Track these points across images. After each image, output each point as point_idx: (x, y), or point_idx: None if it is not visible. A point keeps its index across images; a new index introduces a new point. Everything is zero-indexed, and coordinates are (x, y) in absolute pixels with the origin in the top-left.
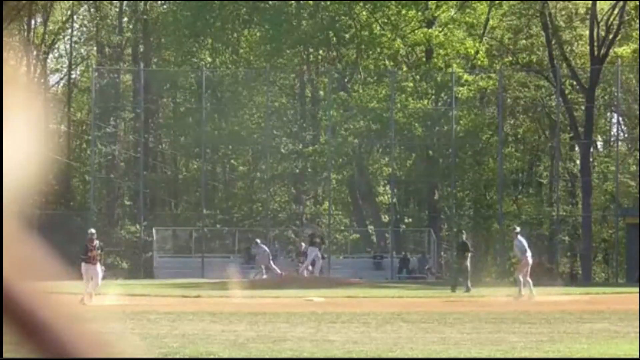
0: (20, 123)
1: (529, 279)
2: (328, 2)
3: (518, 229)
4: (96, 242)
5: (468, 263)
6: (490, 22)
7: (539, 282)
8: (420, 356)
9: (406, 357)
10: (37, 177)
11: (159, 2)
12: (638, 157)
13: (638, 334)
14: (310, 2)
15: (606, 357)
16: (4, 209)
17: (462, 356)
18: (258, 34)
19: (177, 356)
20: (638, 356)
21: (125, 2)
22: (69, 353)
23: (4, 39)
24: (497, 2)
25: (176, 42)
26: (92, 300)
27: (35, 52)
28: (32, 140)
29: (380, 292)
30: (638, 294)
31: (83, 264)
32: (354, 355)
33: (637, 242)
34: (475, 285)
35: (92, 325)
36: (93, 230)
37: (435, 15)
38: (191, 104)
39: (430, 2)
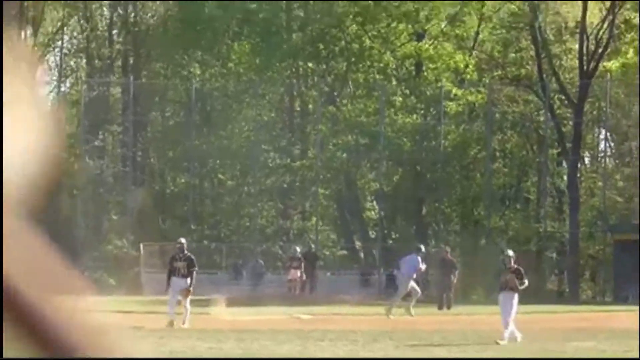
0: (21, 123)
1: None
2: (318, 15)
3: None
4: (186, 253)
5: (454, 281)
6: (480, 35)
7: (526, 300)
8: None
9: None
10: (39, 176)
11: (149, 14)
12: (625, 174)
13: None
14: (301, 14)
15: (606, 357)
16: (4, 209)
17: None
18: (248, 47)
19: None
20: (638, 356)
21: (115, 14)
22: (69, 353)
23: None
24: (487, 15)
25: (166, 54)
26: (185, 323)
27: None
28: (33, 140)
29: (367, 310)
30: (625, 313)
31: (170, 278)
32: None
33: (624, 259)
34: (461, 302)
35: (93, 324)
36: (183, 240)
37: (426, 28)
38: (180, 117)
39: (420, 15)
